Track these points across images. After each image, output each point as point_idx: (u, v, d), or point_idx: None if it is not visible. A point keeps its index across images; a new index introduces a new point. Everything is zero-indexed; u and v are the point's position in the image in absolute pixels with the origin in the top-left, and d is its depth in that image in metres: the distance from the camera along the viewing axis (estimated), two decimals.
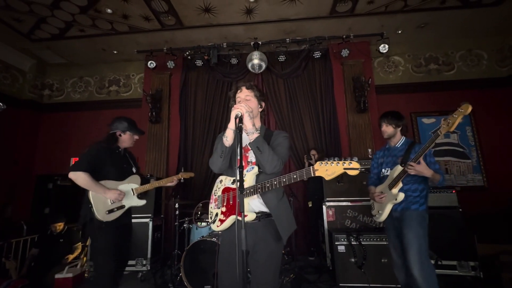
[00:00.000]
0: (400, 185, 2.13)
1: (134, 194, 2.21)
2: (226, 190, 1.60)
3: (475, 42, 4.86)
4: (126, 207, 2.14)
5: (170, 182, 2.40)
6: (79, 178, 1.96)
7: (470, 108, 1.79)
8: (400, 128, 2.28)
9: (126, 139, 2.24)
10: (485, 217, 3.90)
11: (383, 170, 2.30)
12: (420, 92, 4.82)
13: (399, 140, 2.29)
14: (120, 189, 2.11)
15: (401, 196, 2.12)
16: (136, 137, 2.31)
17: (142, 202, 2.24)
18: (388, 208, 2.18)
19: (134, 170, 2.28)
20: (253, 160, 1.57)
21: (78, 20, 4.13)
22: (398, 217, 2.14)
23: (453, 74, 4.86)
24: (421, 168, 1.98)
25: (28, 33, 4.41)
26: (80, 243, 3.59)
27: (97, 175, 2.03)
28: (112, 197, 2.03)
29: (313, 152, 4.20)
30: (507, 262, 2.93)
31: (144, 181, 2.32)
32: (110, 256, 1.98)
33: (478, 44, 4.86)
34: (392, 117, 2.27)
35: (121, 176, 2.17)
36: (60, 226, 3.47)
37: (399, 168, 2.12)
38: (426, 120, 4.73)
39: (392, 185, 2.15)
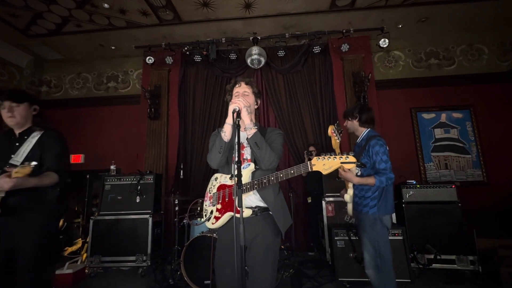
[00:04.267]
0: (351, 184, 2.05)
1: None
2: (221, 187, 1.58)
3: (476, 36, 4.82)
4: None
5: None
6: None
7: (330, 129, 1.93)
8: (356, 119, 2.09)
9: None
10: (484, 212, 3.92)
11: None
12: (421, 87, 4.79)
13: (360, 134, 2.12)
14: None
15: (346, 197, 2.08)
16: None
17: None
18: (349, 206, 2.13)
19: (19, 160, 1.62)
20: (249, 157, 1.57)
21: (75, 15, 4.08)
22: (356, 216, 2.12)
23: (454, 69, 4.82)
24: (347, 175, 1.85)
25: (25, 29, 4.36)
26: (80, 239, 3.60)
27: None
28: None
29: (311, 148, 4.19)
30: (505, 256, 2.94)
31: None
32: None
33: (479, 38, 4.82)
34: (347, 112, 2.14)
35: None
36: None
37: None
38: (426, 115, 4.71)
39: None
